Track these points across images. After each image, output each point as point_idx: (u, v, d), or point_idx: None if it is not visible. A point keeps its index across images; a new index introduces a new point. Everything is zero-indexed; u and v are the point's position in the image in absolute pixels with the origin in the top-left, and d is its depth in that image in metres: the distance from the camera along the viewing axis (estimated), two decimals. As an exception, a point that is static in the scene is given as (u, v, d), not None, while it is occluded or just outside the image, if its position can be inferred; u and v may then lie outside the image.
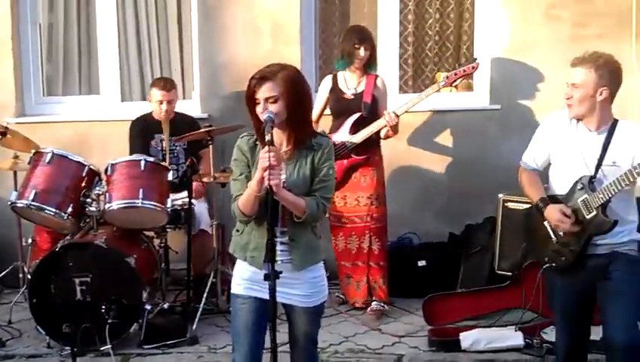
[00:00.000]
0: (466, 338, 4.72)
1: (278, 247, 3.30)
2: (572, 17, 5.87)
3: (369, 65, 5.36)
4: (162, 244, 5.40)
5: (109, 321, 4.66)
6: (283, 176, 3.25)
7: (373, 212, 5.33)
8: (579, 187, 3.63)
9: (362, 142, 5.29)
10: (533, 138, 3.91)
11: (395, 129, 5.26)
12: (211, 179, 5.24)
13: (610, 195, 3.51)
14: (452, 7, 6.33)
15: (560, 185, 3.75)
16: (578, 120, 3.68)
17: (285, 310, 3.48)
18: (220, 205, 5.41)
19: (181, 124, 5.60)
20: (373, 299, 5.38)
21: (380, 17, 6.28)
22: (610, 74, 3.59)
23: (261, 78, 3.24)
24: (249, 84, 3.25)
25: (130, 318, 4.79)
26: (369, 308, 5.34)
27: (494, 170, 5.79)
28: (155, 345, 4.86)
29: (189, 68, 6.52)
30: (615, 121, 3.66)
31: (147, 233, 5.34)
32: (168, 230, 5.35)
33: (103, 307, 4.71)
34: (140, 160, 5.07)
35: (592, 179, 3.60)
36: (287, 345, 3.55)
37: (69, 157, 5.05)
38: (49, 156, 4.96)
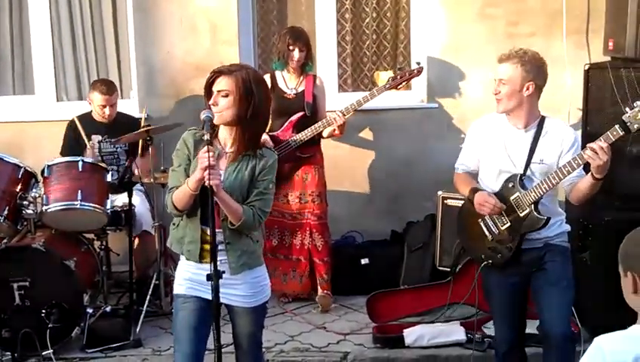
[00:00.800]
0: (410, 335, 4.78)
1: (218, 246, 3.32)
2: (506, 16, 5.98)
3: (305, 66, 5.43)
4: (103, 246, 5.33)
5: (50, 326, 4.59)
6: (222, 177, 3.24)
7: (315, 209, 5.40)
8: (510, 185, 3.71)
9: (305, 141, 5.35)
10: (464, 142, 4.01)
11: (341, 129, 5.32)
12: (152, 180, 5.18)
13: (541, 193, 3.61)
14: (388, 6, 6.37)
15: (490, 184, 3.83)
16: (507, 119, 3.77)
17: (228, 311, 3.48)
18: (161, 206, 5.35)
19: (121, 124, 5.53)
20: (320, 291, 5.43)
21: (318, 16, 6.29)
22: (536, 69, 3.68)
23: (219, 71, 3.29)
24: (209, 75, 3.31)
25: (71, 322, 4.72)
26: (317, 297, 5.41)
27: (433, 167, 5.88)
28: (98, 349, 4.80)
29: (125, 67, 6.43)
30: (542, 118, 3.75)
31: (87, 235, 5.24)
32: (109, 232, 5.28)
33: (43, 311, 4.62)
34: (78, 161, 5.00)
35: (521, 177, 3.69)
36: (232, 346, 3.55)
37: (4, 159, 4.95)
38: (-17, 159, 4.84)
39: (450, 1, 6.04)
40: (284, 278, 5.51)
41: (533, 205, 3.64)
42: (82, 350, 4.79)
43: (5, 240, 4.99)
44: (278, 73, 5.48)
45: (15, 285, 4.66)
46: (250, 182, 3.32)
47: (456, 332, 4.79)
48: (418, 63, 5.49)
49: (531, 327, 3.98)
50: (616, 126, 3.38)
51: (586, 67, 5.05)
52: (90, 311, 4.85)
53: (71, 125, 5.64)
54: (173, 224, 3.45)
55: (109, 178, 5.09)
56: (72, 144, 5.58)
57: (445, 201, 5.38)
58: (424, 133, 6.13)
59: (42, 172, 4.97)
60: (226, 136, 3.34)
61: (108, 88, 5.53)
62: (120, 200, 5.27)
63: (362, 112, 5.86)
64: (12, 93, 6.60)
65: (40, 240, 4.85)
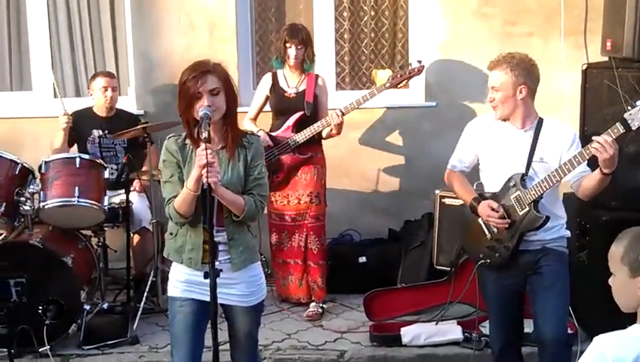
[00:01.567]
0: (407, 334, 4.79)
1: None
2: (503, 15, 5.98)
3: (305, 64, 5.32)
4: (100, 243, 5.33)
5: (47, 322, 4.59)
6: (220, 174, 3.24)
7: (312, 210, 5.32)
8: (511, 184, 3.72)
9: (304, 140, 5.26)
10: (459, 141, 4.01)
11: (339, 128, 5.23)
12: (151, 177, 5.18)
13: (542, 192, 3.62)
14: (386, 5, 6.37)
15: (491, 184, 3.85)
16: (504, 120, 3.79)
17: (224, 310, 3.47)
18: (159, 203, 5.34)
19: (120, 120, 5.52)
20: (313, 299, 5.37)
21: (316, 14, 6.28)
22: (525, 72, 3.69)
23: (204, 71, 3.23)
24: (185, 81, 3.23)
25: (68, 319, 4.72)
26: (307, 312, 5.31)
27: (431, 166, 5.86)
28: (94, 346, 4.79)
29: (123, 64, 6.42)
30: (541, 120, 3.77)
31: (85, 232, 5.24)
32: (106, 228, 5.28)
33: (40, 308, 4.62)
34: (75, 157, 5.01)
35: (523, 177, 3.70)
36: (225, 345, 3.54)
37: (1, 155, 4.96)
38: (-21, 154, 4.84)
39: (447, 0, 6.04)
40: (284, 282, 5.44)
41: (532, 204, 3.65)
42: (79, 347, 4.78)
43: (2, 237, 4.98)
44: (279, 72, 5.40)
45: (12, 281, 4.65)
46: (245, 172, 3.33)
47: (453, 331, 4.80)
48: (419, 61, 5.40)
49: (529, 326, 3.99)
50: (618, 123, 3.41)
51: (584, 67, 5.05)
52: (87, 307, 4.85)
53: (72, 117, 5.61)
54: (171, 234, 3.43)
55: (106, 174, 5.09)
56: (75, 135, 5.57)
57: (443, 200, 5.38)
58: (422, 131, 6.13)
59: (39, 168, 4.97)
60: (214, 133, 3.28)
61: (109, 73, 5.66)
62: (118, 196, 5.27)
63: (360, 110, 5.85)
64: (9, 89, 6.58)
65: (37, 236, 4.84)
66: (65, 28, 6.46)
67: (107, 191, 5.09)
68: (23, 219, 4.99)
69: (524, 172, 3.71)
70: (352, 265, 5.65)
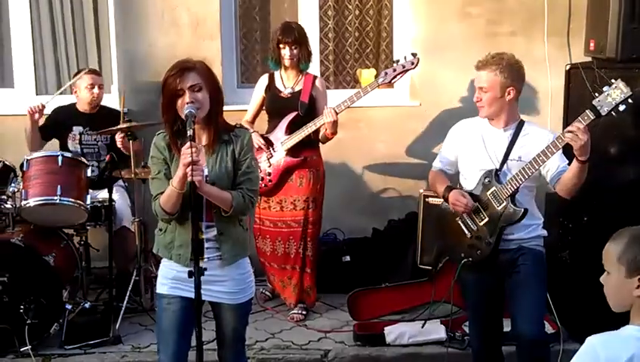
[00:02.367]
0: (391, 333, 4.80)
1: (205, 244, 3.31)
2: (486, 15, 6.00)
3: (301, 64, 5.17)
4: (82, 242, 5.30)
5: (28, 321, 4.55)
6: (205, 171, 3.22)
7: (309, 216, 5.17)
8: (486, 181, 3.75)
9: (299, 142, 5.09)
10: (443, 143, 4.04)
11: (333, 128, 5.02)
12: (132, 175, 5.15)
13: (517, 185, 3.64)
14: (371, 4, 6.37)
15: (469, 183, 3.87)
16: (488, 120, 3.82)
17: (212, 308, 3.48)
18: (141, 201, 5.32)
19: (103, 116, 5.48)
20: (304, 304, 5.31)
21: (301, 13, 6.27)
22: (514, 73, 3.72)
23: (183, 68, 3.23)
24: (167, 79, 3.23)
25: (50, 318, 4.69)
26: (291, 314, 5.27)
27: (415, 165, 5.90)
28: (76, 345, 4.76)
29: (106, 61, 6.37)
30: (522, 122, 3.80)
31: (67, 230, 5.20)
32: (88, 227, 5.24)
33: (22, 307, 4.58)
34: (58, 155, 4.97)
35: (497, 172, 3.73)
36: (212, 344, 3.54)
37: (-18, 153, 4.91)
38: (-40, 152, 4.82)
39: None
40: (283, 284, 5.34)
41: (510, 198, 3.67)
42: (61, 346, 4.75)
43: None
44: (276, 73, 5.26)
45: (-7, 280, 4.60)
46: (233, 166, 3.33)
47: (436, 330, 4.82)
48: (414, 55, 5.04)
49: (508, 326, 3.99)
50: (587, 111, 3.44)
51: (567, 67, 5.09)
52: (69, 307, 4.82)
53: (53, 111, 5.58)
54: (160, 230, 3.42)
55: (89, 173, 5.05)
56: (53, 129, 5.50)
57: (427, 199, 5.37)
58: (406, 131, 6.13)
59: (21, 166, 4.93)
60: (199, 131, 3.29)
61: (94, 70, 5.58)
62: (100, 195, 5.24)
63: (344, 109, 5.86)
64: (-9, 86, 6.51)
65: (19, 235, 4.81)
66: (47, 24, 6.39)
67: (89, 190, 5.05)
68: (4, 218, 4.96)
69: (498, 168, 3.73)
70: (335, 264, 5.64)
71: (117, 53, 6.14)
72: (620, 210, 4.56)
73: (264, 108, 5.35)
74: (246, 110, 5.46)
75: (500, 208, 3.69)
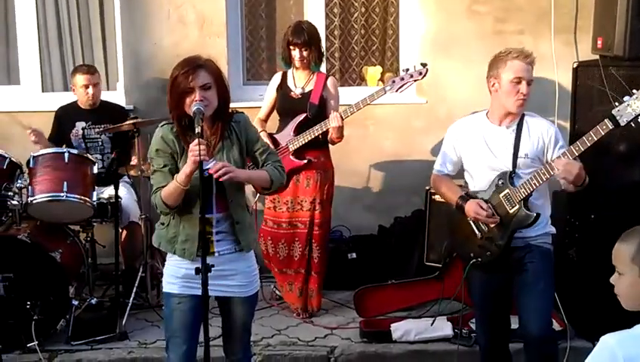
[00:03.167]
0: (397, 330, 4.80)
1: (216, 237, 3.32)
2: (494, 13, 5.99)
3: (313, 64, 5.09)
4: (89, 238, 5.30)
5: (35, 318, 4.54)
6: (210, 164, 3.21)
7: (315, 217, 5.09)
8: (500, 183, 3.73)
9: (307, 143, 5.02)
10: (442, 147, 4.03)
11: (339, 132, 4.94)
12: (138, 172, 5.15)
13: (531, 189, 3.63)
14: (377, 2, 6.36)
15: (476, 183, 3.86)
16: (487, 118, 3.83)
17: (221, 303, 3.49)
18: (147, 198, 5.31)
19: (105, 111, 5.50)
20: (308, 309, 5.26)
21: (307, 10, 6.26)
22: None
23: (196, 66, 3.21)
24: (176, 76, 3.21)
25: (56, 314, 4.69)
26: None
27: (421, 163, 5.87)
28: (83, 341, 4.76)
29: (112, 58, 6.38)
30: (522, 115, 3.78)
31: (73, 227, 5.20)
32: (95, 224, 5.24)
33: (28, 303, 4.57)
34: (64, 152, 4.96)
35: (511, 174, 3.71)
36: (215, 340, 3.54)
37: (-11, 149, 4.91)
38: (-33, 149, 4.82)
39: (438, -4, 6.05)
40: (282, 289, 5.31)
41: (522, 201, 3.65)
42: (67, 342, 4.75)
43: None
44: (289, 71, 5.19)
45: (-1, 276, 4.61)
46: (240, 151, 3.35)
47: (443, 327, 4.81)
48: (424, 65, 4.93)
49: (515, 323, 3.98)
50: (606, 120, 3.43)
51: (575, 65, 5.07)
52: (75, 303, 4.81)
53: (57, 112, 5.62)
54: (162, 224, 3.41)
55: (95, 169, 5.05)
56: (58, 129, 5.57)
57: (433, 197, 5.38)
58: (412, 128, 6.12)
59: (28, 163, 4.93)
60: (205, 128, 3.27)
61: (88, 68, 5.55)
62: (106, 192, 5.24)
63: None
64: (-3, 83, 6.52)
65: (25, 231, 4.81)
66: (53, 21, 6.40)
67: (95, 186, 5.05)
68: (10, 214, 4.95)
69: (511, 169, 3.71)
70: (342, 261, 5.63)
71: (123, 50, 6.15)
72: (627, 208, 4.56)
73: (275, 107, 5.28)
74: (252, 107, 5.42)
75: (512, 211, 3.68)
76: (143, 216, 5.27)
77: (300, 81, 5.14)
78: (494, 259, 3.77)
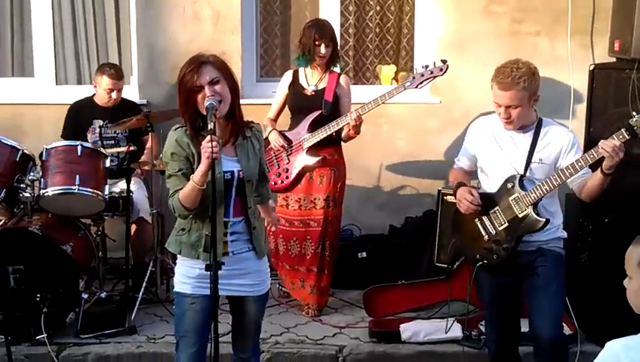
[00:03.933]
0: (406, 330, 4.78)
1: (230, 238, 3.32)
2: (510, 13, 5.96)
3: (332, 62, 5.10)
4: (99, 232, 5.31)
5: (45, 310, 4.55)
6: (223, 167, 3.19)
7: (329, 215, 5.07)
8: (509, 186, 3.70)
9: (320, 141, 5.00)
10: (464, 140, 4.01)
11: (357, 129, 4.90)
12: (150, 167, 5.15)
13: (542, 194, 3.60)
14: (392, 0, 6.34)
15: (489, 184, 3.84)
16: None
17: (233, 302, 3.49)
18: (159, 193, 5.32)
19: (122, 109, 5.49)
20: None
21: (322, 8, 6.25)
22: (535, 82, 3.63)
23: (201, 62, 3.17)
24: (183, 76, 3.17)
25: (66, 307, 4.69)
26: (305, 309, 5.23)
27: (434, 163, 5.87)
28: (92, 335, 4.77)
29: (126, 52, 6.38)
30: (540, 120, 3.74)
31: (84, 220, 5.20)
32: (106, 217, 5.25)
33: (38, 296, 4.57)
34: (77, 145, 4.96)
35: (522, 178, 3.68)
36: (223, 338, 3.53)
37: (2, 140, 4.92)
38: (-20, 140, 4.81)
39: (454, -4, 6.02)
40: (293, 286, 5.28)
41: (532, 206, 3.62)
42: (76, 335, 4.75)
43: (2, 223, 4.95)
44: (301, 70, 5.18)
45: (10, 268, 4.58)
46: (258, 160, 3.42)
47: (452, 328, 4.78)
48: (444, 61, 4.87)
49: (525, 326, 3.98)
50: (623, 130, 3.37)
51: (591, 67, 5.03)
52: (85, 296, 4.81)
53: (72, 109, 5.61)
54: (182, 229, 3.34)
55: (107, 163, 5.06)
56: (74, 127, 5.55)
57: (445, 197, 5.36)
58: (425, 128, 6.10)
59: (40, 155, 4.93)
60: (219, 126, 3.23)
61: (117, 73, 5.50)
62: (118, 186, 5.25)
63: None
64: (11, 75, 6.52)
65: (37, 224, 4.82)
66: (68, 14, 6.40)
67: (107, 180, 5.06)
68: (22, 206, 4.96)
69: (522, 173, 3.69)
70: (352, 260, 5.62)
71: (137, 45, 6.16)
72: (641, 213, 4.52)
73: (287, 105, 5.26)
74: (265, 104, 5.44)
75: (521, 215, 3.65)
76: (154, 211, 5.27)
77: (312, 79, 5.13)
78: (501, 262, 3.75)
